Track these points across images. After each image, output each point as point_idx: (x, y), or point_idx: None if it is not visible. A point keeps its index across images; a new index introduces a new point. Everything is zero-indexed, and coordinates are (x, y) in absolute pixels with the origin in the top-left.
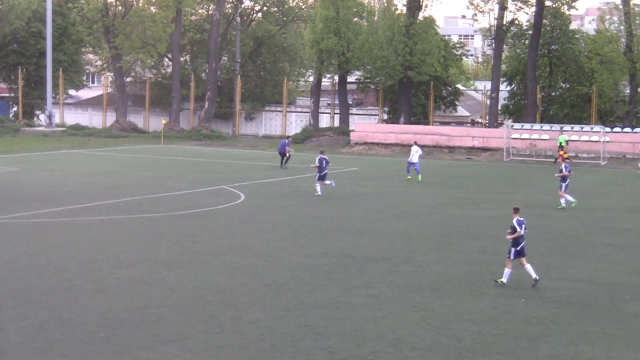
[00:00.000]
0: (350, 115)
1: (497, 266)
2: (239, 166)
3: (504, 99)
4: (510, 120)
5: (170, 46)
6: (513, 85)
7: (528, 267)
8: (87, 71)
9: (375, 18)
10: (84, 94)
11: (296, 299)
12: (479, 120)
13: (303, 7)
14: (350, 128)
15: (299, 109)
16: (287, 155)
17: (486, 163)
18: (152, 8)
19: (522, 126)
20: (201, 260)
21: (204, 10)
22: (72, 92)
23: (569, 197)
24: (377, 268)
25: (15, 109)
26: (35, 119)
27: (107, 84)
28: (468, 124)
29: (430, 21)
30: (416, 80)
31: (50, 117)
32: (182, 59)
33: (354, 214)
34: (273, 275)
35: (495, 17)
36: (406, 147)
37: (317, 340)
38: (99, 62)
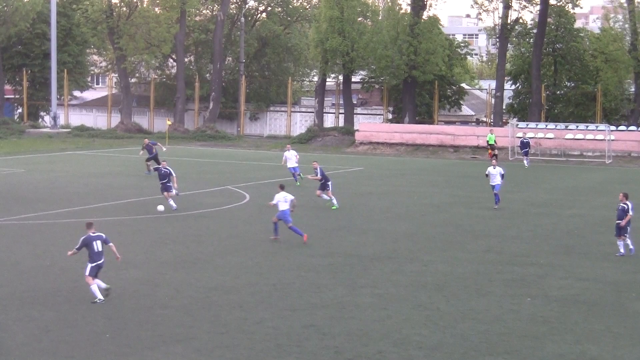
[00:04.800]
0: (354, 115)
1: (503, 265)
2: (244, 166)
3: (509, 97)
4: (515, 119)
5: (174, 47)
6: (518, 84)
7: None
8: (92, 72)
9: (380, 18)
10: (89, 95)
11: (301, 299)
12: (484, 119)
13: (307, 7)
14: (355, 128)
15: (303, 109)
16: (155, 153)
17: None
18: (156, 9)
19: (527, 125)
20: (206, 260)
21: (208, 11)
22: (76, 93)
23: (326, 197)
24: (382, 267)
25: (20, 110)
26: (40, 120)
27: (112, 85)
28: (473, 123)
29: (434, 20)
30: (421, 80)
31: (55, 118)
32: (186, 59)
33: (359, 213)
34: (278, 275)
35: (500, 16)
36: (411, 147)
37: (322, 340)
38: (104, 63)
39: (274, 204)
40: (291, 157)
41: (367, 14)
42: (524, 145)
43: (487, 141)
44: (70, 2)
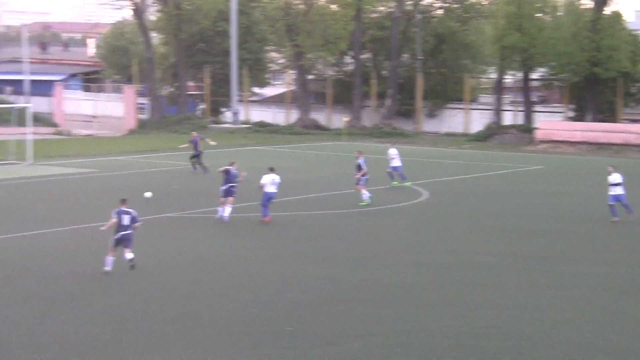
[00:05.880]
0: (534, 113)
1: None
2: (421, 164)
3: None
4: None
5: (351, 44)
6: None
7: (128, 254)
8: (271, 69)
9: (559, 13)
10: (268, 91)
11: (483, 299)
12: None
13: (484, 3)
14: (534, 126)
15: (481, 106)
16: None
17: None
18: (333, 6)
19: None
20: (385, 257)
21: (384, 8)
22: (256, 89)
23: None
24: (566, 269)
25: (202, 106)
26: (221, 116)
27: (290, 82)
28: None
29: (617, 16)
30: (603, 77)
31: (235, 114)
32: (363, 56)
33: (541, 213)
34: (458, 274)
35: None
36: (593, 146)
37: (504, 341)
38: (282, 60)
39: (262, 184)
40: (392, 156)
41: (546, 10)
42: None
43: None
44: (250, 0)
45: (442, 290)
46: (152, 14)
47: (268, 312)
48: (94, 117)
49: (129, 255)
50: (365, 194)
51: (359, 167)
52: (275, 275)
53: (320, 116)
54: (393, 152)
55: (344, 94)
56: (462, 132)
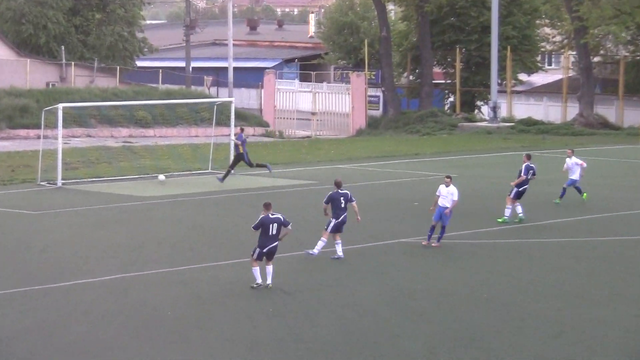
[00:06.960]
0: None
1: None
2: None
3: None
4: None
5: None
6: None
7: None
8: (542, 50)
9: None
10: (538, 79)
11: None
12: None
13: None
14: None
15: None
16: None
17: None
18: None
19: None
20: None
21: None
22: (522, 76)
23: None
24: None
25: (451, 99)
26: (476, 111)
27: (568, 66)
28: None
29: None
30: None
31: (494, 109)
32: None
33: None
34: None
35: None
36: None
37: None
38: (558, 38)
39: (437, 196)
40: (572, 167)
41: None
42: None
43: None
44: None
45: None
46: None
47: None
48: (313, 113)
49: (270, 268)
50: (510, 209)
51: (530, 174)
52: (543, 320)
53: (609, 111)
54: (572, 161)
55: None
56: None
